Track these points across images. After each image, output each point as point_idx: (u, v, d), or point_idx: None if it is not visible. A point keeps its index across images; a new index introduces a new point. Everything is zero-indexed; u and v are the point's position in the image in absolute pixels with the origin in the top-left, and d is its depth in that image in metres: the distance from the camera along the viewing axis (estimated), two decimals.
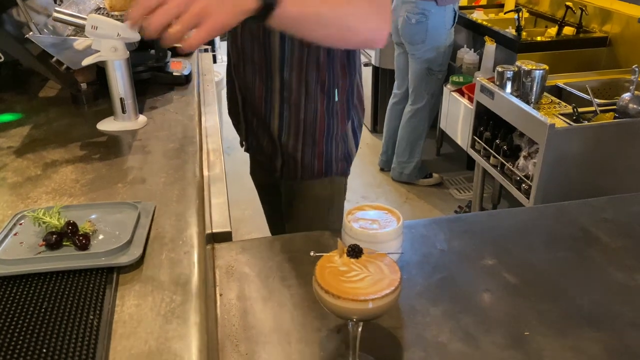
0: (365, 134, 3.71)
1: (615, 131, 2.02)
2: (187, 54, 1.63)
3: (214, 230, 1.06)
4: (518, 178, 2.15)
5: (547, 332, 0.77)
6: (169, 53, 1.39)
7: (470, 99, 2.59)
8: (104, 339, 0.55)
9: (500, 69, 2.24)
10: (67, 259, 0.66)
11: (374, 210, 0.85)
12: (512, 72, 2.21)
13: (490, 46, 2.77)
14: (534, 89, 2.15)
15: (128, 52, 1.06)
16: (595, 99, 2.09)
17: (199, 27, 0.70)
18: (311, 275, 0.64)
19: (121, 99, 1.07)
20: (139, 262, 0.67)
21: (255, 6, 0.73)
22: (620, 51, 2.62)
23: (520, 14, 2.72)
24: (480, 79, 2.36)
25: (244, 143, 1.34)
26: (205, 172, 1.31)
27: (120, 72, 1.06)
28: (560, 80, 2.36)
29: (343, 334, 0.75)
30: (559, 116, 2.03)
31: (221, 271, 0.90)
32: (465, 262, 0.92)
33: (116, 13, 1.33)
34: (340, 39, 0.91)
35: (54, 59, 1.11)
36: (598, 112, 2.05)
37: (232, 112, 1.32)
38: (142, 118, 1.12)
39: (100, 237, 0.71)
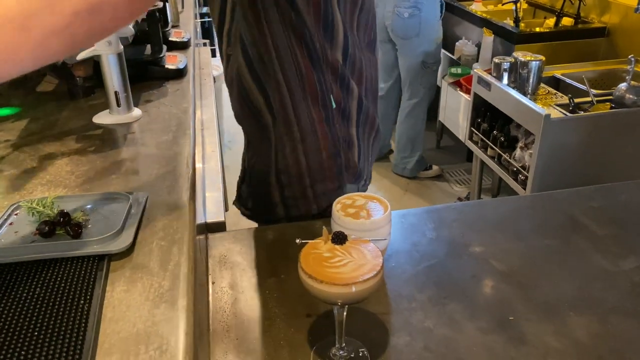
0: None
1: (611, 121, 2.02)
2: (184, 48, 1.65)
3: (207, 221, 1.08)
4: (515, 169, 2.16)
5: (531, 317, 0.78)
6: (165, 47, 1.40)
7: (468, 91, 2.59)
8: (93, 322, 0.57)
9: (497, 61, 2.25)
10: (60, 247, 0.68)
11: (363, 199, 0.87)
12: (509, 64, 2.22)
13: (488, 38, 2.77)
14: (531, 80, 2.16)
15: (122, 46, 1.08)
16: (592, 90, 2.09)
17: None
18: None
19: (115, 92, 1.09)
20: (129, 250, 0.69)
21: None
22: (619, 41, 2.62)
23: (519, 5, 2.72)
24: (477, 70, 2.37)
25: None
26: (201, 165, 1.33)
27: (114, 66, 1.07)
28: (557, 71, 2.37)
29: (331, 320, 0.77)
30: (555, 107, 2.04)
31: (214, 260, 0.92)
32: (453, 249, 0.94)
33: None
34: None
35: None
36: (594, 102, 2.06)
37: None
38: (137, 111, 1.14)
39: (93, 225, 0.73)
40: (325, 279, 0.62)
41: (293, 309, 0.81)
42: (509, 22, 2.82)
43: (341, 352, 0.71)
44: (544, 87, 2.21)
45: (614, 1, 2.62)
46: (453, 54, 3.13)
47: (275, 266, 0.90)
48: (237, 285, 0.86)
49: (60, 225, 0.70)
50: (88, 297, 0.61)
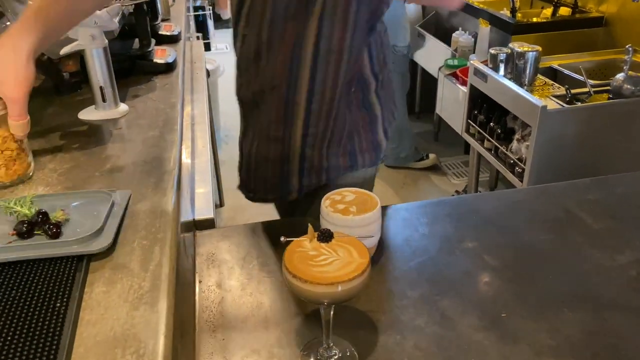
0: None
1: (608, 112, 2.00)
2: (174, 41, 1.62)
3: (196, 218, 1.06)
4: (512, 161, 2.14)
5: (524, 314, 0.77)
6: (153, 41, 1.38)
7: (465, 83, 2.57)
8: (69, 325, 0.55)
9: (493, 51, 2.22)
10: (38, 247, 0.66)
11: (353, 194, 0.85)
12: (505, 54, 2.19)
13: (484, 28, 2.74)
14: (527, 70, 2.13)
15: (106, 41, 1.06)
16: (589, 80, 2.07)
17: None
18: None
19: (101, 87, 1.07)
20: (110, 250, 0.67)
21: None
22: (617, 31, 2.59)
23: None
24: (473, 61, 2.34)
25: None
26: (190, 161, 1.31)
27: (99, 61, 1.05)
28: (554, 62, 2.34)
29: (320, 319, 0.75)
30: (552, 98, 2.02)
31: (201, 258, 0.91)
32: (446, 245, 0.92)
33: None
34: None
35: None
36: (592, 93, 2.04)
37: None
38: (123, 107, 1.11)
39: (72, 225, 0.71)
40: (309, 279, 0.60)
41: (281, 308, 0.79)
42: (505, 13, 2.79)
43: (329, 352, 0.69)
44: (540, 78, 2.19)
45: None
46: (450, 45, 3.09)
47: (264, 263, 0.88)
48: (224, 284, 0.84)
49: (38, 225, 0.68)
50: (65, 299, 0.59)
